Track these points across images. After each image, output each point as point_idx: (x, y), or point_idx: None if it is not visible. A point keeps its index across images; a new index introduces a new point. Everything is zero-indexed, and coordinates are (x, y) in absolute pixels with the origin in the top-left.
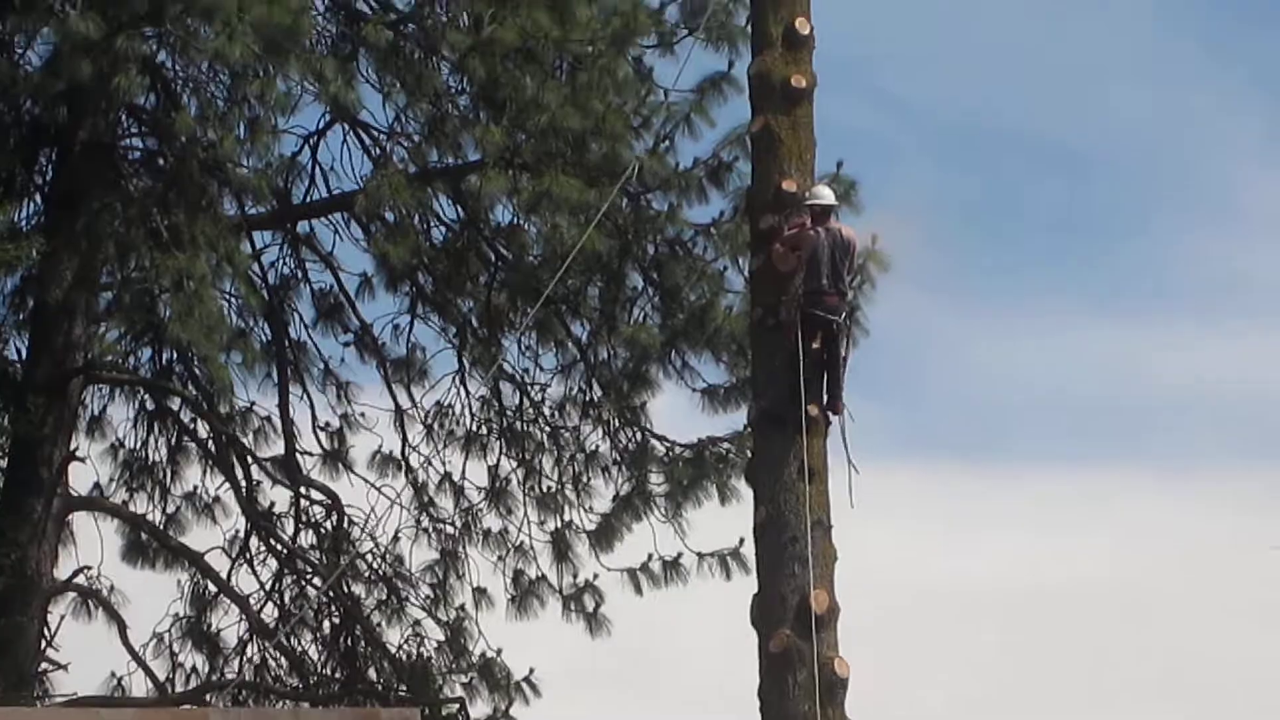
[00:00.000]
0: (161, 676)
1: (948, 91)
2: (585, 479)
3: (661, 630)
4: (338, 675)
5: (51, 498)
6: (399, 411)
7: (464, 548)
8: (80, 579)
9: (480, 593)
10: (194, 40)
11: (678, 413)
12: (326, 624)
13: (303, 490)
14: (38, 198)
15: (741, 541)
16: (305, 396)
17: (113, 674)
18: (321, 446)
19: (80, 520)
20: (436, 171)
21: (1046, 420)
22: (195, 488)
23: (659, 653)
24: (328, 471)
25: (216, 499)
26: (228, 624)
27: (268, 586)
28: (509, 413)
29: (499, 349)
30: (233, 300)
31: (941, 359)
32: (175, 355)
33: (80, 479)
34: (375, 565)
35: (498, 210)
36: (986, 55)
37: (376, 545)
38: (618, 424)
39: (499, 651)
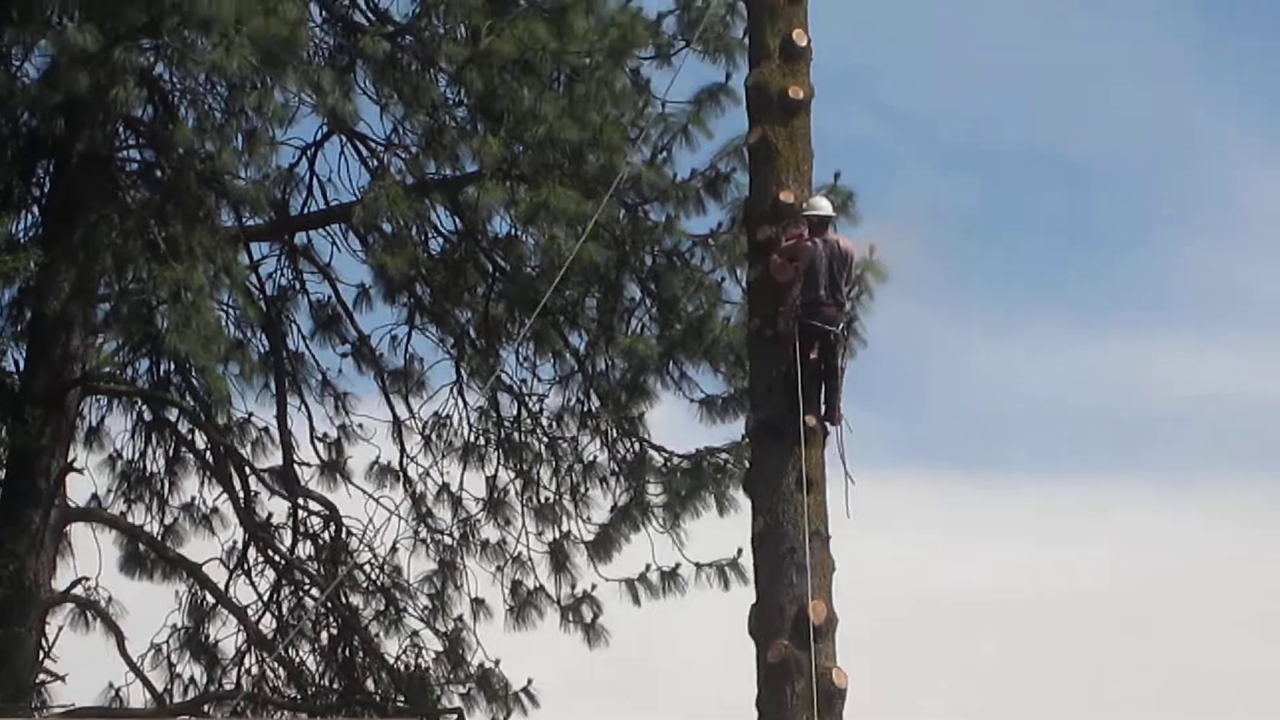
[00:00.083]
0: (159, 687)
1: (946, 102)
2: (583, 489)
3: (659, 641)
4: (336, 686)
5: (49, 509)
6: (397, 422)
7: (462, 558)
8: (78, 590)
9: (478, 603)
10: (191, 52)
11: (676, 423)
12: (325, 635)
13: (300, 501)
14: (35, 209)
15: (739, 552)
16: (303, 407)
17: (110, 685)
18: (319, 457)
19: (78, 531)
20: (434, 183)
21: (1046, 431)
22: (193, 499)
23: (657, 663)
24: (325, 482)
25: (214, 510)
26: (226, 635)
27: (265, 597)
28: (507, 423)
29: (497, 360)
30: (230, 311)
31: (941, 369)
32: (173, 366)
33: (78, 490)
34: (373, 576)
35: (495, 221)
36: (985, 65)
37: (374, 556)
38: (616, 434)
39: (497, 662)
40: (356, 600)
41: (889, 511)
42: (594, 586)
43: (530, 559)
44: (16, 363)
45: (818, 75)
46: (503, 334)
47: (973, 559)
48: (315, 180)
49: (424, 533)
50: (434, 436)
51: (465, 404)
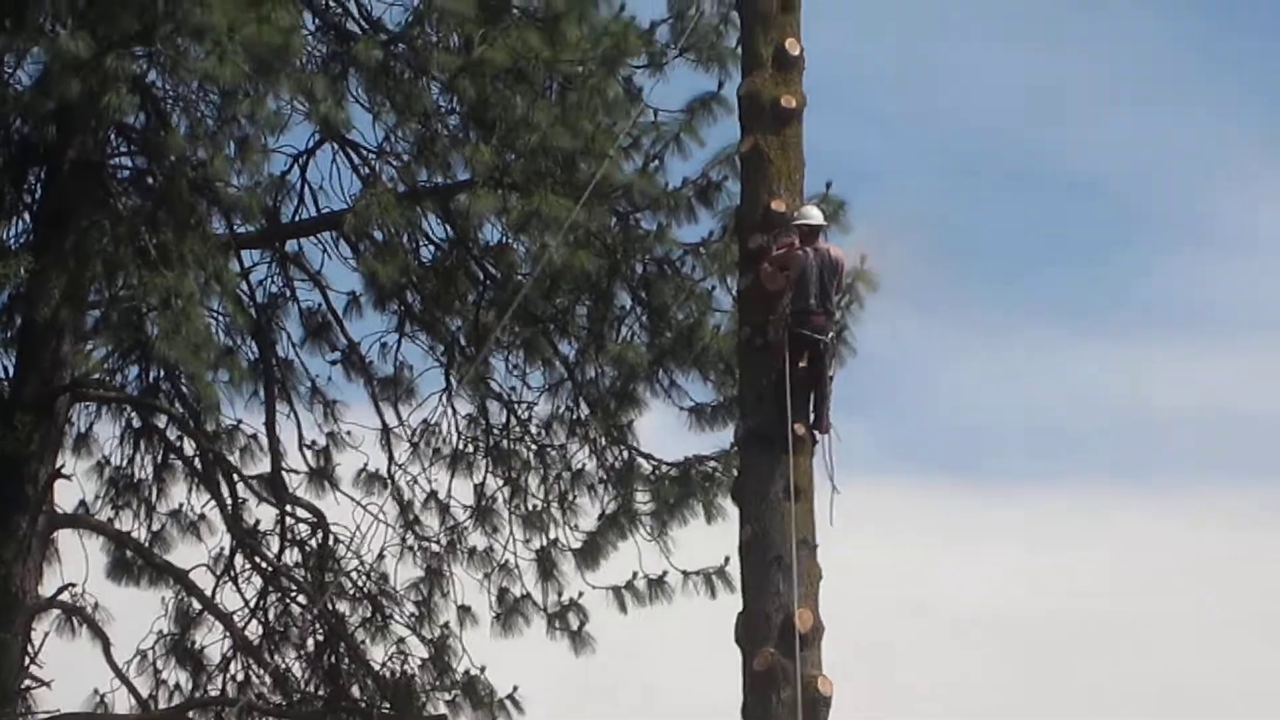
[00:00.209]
0: (145, 694)
1: (938, 112)
2: (571, 497)
3: (646, 648)
4: (321, 693)
5: (37, 515)
6: (385, 430)
7: (449, 566)
8: (64, 596)
9: (465, 610)
10: (184, 60)
11: (664, 431)
12: (311, 641)
13: (288, 508)
14: (26, 216)
15: (727, 560)
16: (292, 414)
17: (96, 691)
18: (308, 464)
19: (65, 537)
20: (425, 191)
21: (1036, 439)
22: (181, 505)
23: (643, 671)
24: (313, 489)
25: (202, 516)
26: (211, 641)
27: (252, 604)
28: (496, 431)
29: (486, 367)
30: (220, 318)
31: (932, 377)
32: (162, 373)
33: (66, 496)
34: (360, 583)
35: (486, 229)
36: (976, 77)
37: (361, 563)
38: (604, 442)
39: (483, 669)
40: (343, 607)
41: (880, 519)
42: (581, 594)
43: (517, 566)
44: (6, 369)
45: (810, 84)
46: (493, 342)
47: (962, 567)
48: (307, 188)
49: (411, 540)
50: (422, 444)
51: (454, 411)
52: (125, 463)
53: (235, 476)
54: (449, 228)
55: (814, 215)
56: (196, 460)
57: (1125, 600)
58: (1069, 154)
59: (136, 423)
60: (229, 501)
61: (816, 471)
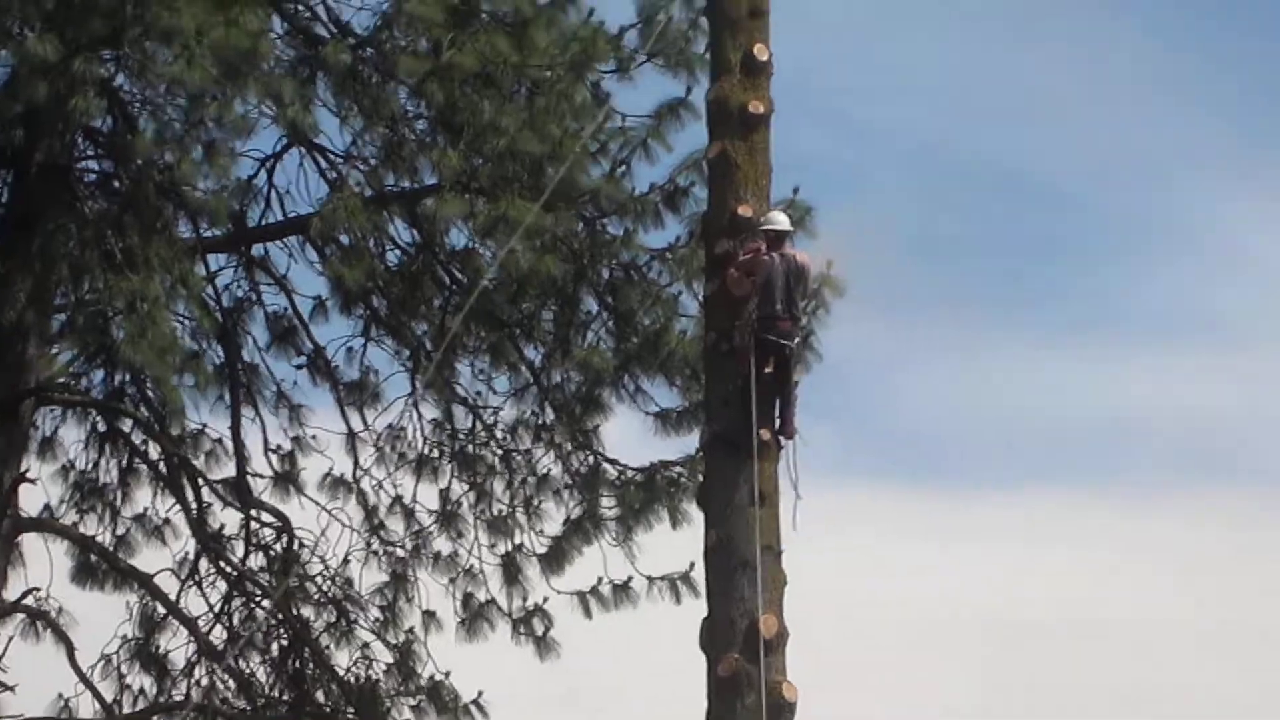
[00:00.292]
0: (109, 698)
1: (907, 118)
2: (536, 502)
3: (611, 654)
4: (286, 697)
5: (1, 519)
6: (351, 434)
7: (414, 570)
8: (29, 600)
9: (430, 615)
10: (152, 63)
11: (630, 436)
12: (275, 646)
13: (253, 512)
14: None
15: (692, 565)
16: (257, 419)
17: (60, 696)
18: (273, 469)
19: (30, 541)
20: (392, 195)
21: (1005, 444)
22: (145, 509)
23: (608, 676)
24: (278, 494)
25: (166, 521)
26: (176, 646)
27: (217, 608)
28: (461, 436)
29: (451, 371)
30: (186, 323)
31: (900, 382)
32: (128, 377)
33: (31, 500)
34: (325, 588)
35: (453, 234)
36: (947, 82)
37: (326, 568)
38: (570, 447)
39: (448, 674)
40: (308, 612)
41: (846, 524)
42: (546, 599)
43: (482, 571)
44: None
45: (778, 90)
46: (459, 346)
47: (927, 571)
48: (274, 192)
49: (376, 545)
50: (388, 448)
51: (420, 416)
52: (90, 467)
53: (200, 481)
54: (416, 232)
55: (780, 221)
56: (161, 464)
57: (1092, 603)
58: (1041, 161)
59: (102, 427)
60: (194, 506)
61: (782, 477)
